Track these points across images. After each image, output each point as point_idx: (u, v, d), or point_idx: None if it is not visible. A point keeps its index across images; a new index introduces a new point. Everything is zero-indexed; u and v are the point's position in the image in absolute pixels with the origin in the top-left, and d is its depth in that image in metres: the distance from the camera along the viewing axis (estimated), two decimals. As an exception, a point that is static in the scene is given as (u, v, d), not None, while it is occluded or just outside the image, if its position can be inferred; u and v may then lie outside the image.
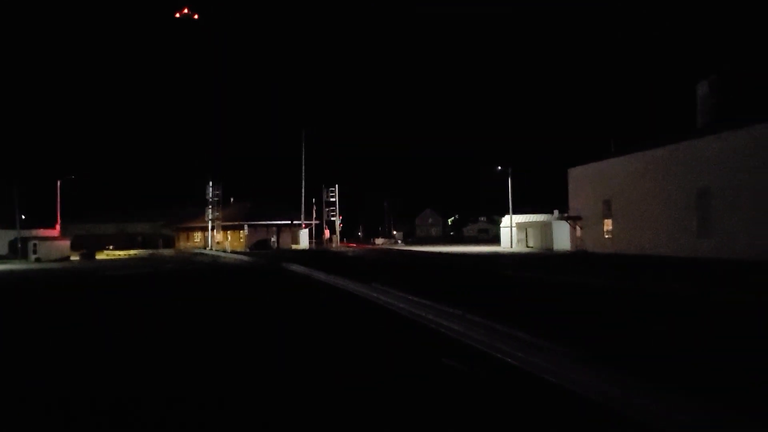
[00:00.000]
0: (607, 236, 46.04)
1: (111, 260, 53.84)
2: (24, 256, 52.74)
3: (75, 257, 56.85)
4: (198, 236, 74.15)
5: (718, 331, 10.98)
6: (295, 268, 29.32)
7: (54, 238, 58.09)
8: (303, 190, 70.32)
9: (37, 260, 51.63)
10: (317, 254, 52.12)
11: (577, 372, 6.91)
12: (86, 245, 64.59)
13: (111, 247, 77.42)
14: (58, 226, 62.39)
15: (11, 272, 36.01)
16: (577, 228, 50.42)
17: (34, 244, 53.48)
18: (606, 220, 46.32)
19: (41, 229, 61.51)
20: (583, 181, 50.56)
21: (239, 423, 6.31)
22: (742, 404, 6.07)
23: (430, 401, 6.99)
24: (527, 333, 8.70)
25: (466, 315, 10.73)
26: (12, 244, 56.32)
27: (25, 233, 56.96)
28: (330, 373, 8.46)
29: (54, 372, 8.92)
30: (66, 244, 57.67)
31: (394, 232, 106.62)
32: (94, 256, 58.96)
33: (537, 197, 76.72)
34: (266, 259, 40.48)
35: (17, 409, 7.06)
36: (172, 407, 6.94)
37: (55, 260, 52.32)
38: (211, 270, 34.67)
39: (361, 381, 7.95)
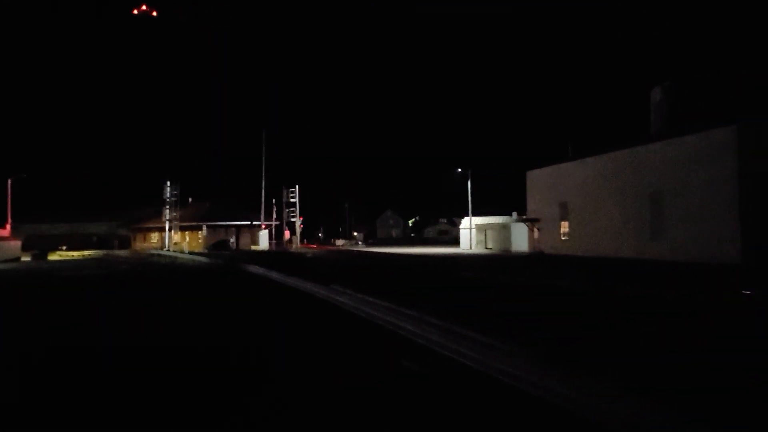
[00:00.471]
0: (563, 238, 46.91)
1: (63, 261, 52.46)
2: (-28, 257, 51.03)
3: (26, 258, 55.26)
4: (155, 237, 72.90)
5: (669, 331, 11.33)
6: (254, 269, 29.07)
7: (4, 239, 56.29)
8: (263, 191, 69.83)
9: (-14, 261, 50.02)
10: (276, 255, 51.77)
11: (531, 373, 7.06)
12: (38, 246, 62.84)
13: (64, 247, 75.58)
14: (8, 226, 60.52)
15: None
16: (535, 230, 51.25)
17: (-18, 245, 51.82)
18: (563, 222, 47.21)
19: (-10, 229, 59.64)
20: (541, 183, 51.41)
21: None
22: (697, 406, 6.30)
23: (388, 402, 7.04)
24: (482, 334, 8.85)
25: (424, 317, 10.85)
26: (-41, 245, 54.45)
27: (-26, 233, 55.20)
28: (287, 375, 8.44)
29: None
30: (17, 244, 56.02)
31: (355, 234, 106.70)
32: (46, 256, 57.42)
33: (497, 199, 77.84)
34: (224, 260, 40.01)
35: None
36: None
37: (5, 261, 50.72)
38: (167, 271, 34.08)
39: (318, 382, 7.96)
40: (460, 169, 67.01)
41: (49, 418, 6.72)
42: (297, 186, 71.09)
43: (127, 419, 6.60)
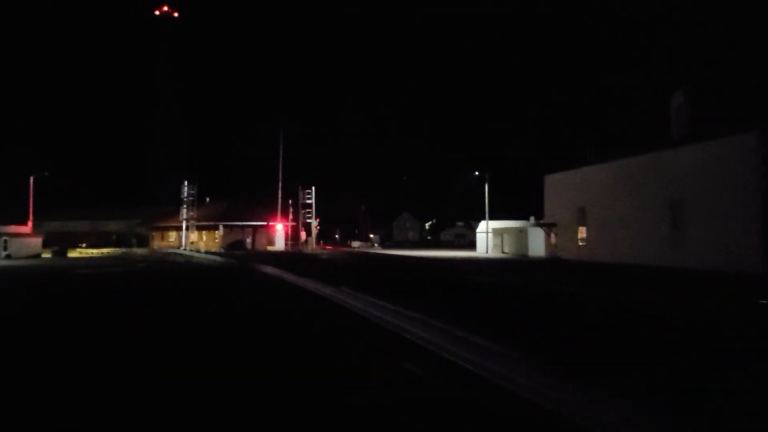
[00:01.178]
0: (581, 243, 46.42)
1: (83, 258, 53.13)
2: (-6, 253, 51.87)
3: (47, 254, 56.01)
4: (173, 236, 73.41)
5: (684, 341, 11.10)
6: (267, 269, 29.16)
7: (26, 235, 57.11)
8: (280, 192, 70.02)
9: (8, 257, 50.74)
10: (291, 256, 51.88)
11: (531, 378, 6.92)
12: (59, 243, 63.70)
13: (84, 245, 76.54)
14: (30, 223, 61.43)
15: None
16: (552, 235, 50.79)
17: (5, 241, 52.54)
18: (580, 228, 46.71)
19: (13, 226, 60.49)
20: (559, 188, 50.95)
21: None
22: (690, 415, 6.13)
23: (385, 405, 6.95)
24: (486, 339, 8.71)
25: (430, 321, 10.72)
26: (-18, 241, 55.36)
27: (-3, 229, 56.06)
28: (288, 374, 8.38)
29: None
30: (38, 241, 56.79)
31: (371, 236, 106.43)
32: (66, 253, 58.22)
33: (514, 203, 77.38)
34: (239, 260, 40.19)
35: None
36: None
37: (27, 257, 51.49)
38: (182, 270, 34.35)
39: (315, 383, 7.89)
40: (477, 173, 66.66)
41: None
42: (313, 187, 71.24)
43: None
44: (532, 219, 58.57)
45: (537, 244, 53.43)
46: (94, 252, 65.85)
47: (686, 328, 12.58)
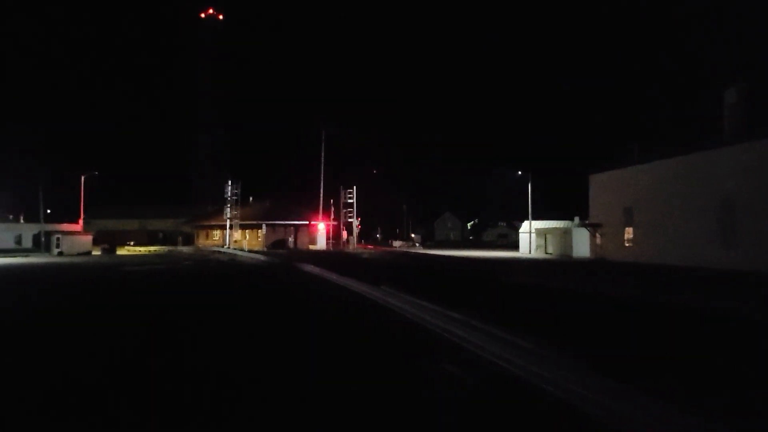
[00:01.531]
0: (627, 244, 45.40)
1: (131, 256, 54.44)
2: (47, 250, 53.63)
3: (97, 252, 57.59)
4: (217, 234, 74.67)
5: (725, 346, 10.71)
6: (309, 268, 29.37)
7: (77, 233, 58.89)
8: (321, 191, 70.47)
9: (60, 254, 52.40)
10: (332, 255, 52.14)
11: (574, 381, 6.76)
12: (108, 240, 65.46)
13: (132, 243, 78.66)
14: (81, 221, 63.40)
15: (22, 265, 36.51)
16: (597, 235, 49.80)
17: (58, 238, 54.33)
18: (627, 228, 45.68)
19: (65, 224, 62.55)
20: (605, 188, 49.93)
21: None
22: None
23: (425, 405, 6.88)
24: (527, 341, 8.60)
25: (470, 321, 10.63)
26: (36, 238, 57.32)
27: (49, 227, 57.98)
28: (331, 376, 8.38)
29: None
30: (88, 238, 58.45)
31: (413, 235, 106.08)
32: (114, 251, 59.73)
33: (558, 203, 76.21)
34: (282, 259, 40.61)
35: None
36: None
37: (78, 254, 53.04)
38: (227, 268, 34.90)
39: (360, 382, 7.86)
40: (520, 172, 65.84)
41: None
42: (354, 187, 71.54)
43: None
44: (576, 219, 57.54)
45: (581, 244, 52.46)
46: (142, 250, 67.54)
47: (725, 333, 12.13)
